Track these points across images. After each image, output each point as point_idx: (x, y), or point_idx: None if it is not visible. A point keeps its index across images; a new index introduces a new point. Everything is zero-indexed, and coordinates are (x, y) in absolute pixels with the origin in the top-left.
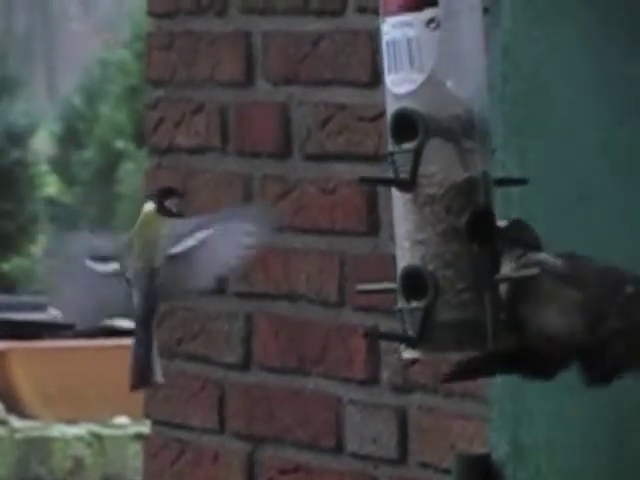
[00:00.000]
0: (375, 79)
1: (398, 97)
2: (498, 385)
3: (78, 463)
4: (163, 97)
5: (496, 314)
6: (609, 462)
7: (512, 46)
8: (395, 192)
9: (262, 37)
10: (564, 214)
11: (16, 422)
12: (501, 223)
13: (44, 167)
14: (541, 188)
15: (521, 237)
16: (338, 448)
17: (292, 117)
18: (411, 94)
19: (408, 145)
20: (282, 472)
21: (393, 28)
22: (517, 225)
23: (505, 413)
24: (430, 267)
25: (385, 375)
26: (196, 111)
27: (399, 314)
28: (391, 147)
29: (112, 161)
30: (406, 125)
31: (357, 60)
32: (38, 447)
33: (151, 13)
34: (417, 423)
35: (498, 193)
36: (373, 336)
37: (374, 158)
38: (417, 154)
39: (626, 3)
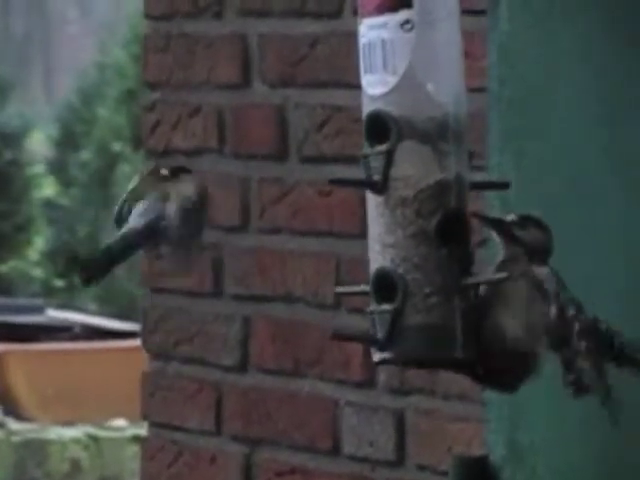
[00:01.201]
0: None
1: (373, 98)
2: None
3: (75, 465)
4: (160, 99)
5: (467, 319)
6: (607, 464)
7: (509, 49)
8: (369, 194)
9: (259, 39)
10: (561, 216)
11: (13, 424)
12: (510, 216)
13: (41, 169)
14: (538, 190)
15: (522, 235)
16: (335, 450)
17: (289, 119)
18: (385, 96)
19: (381, 147)
20: (279, 474)
21: (369, 30)
22: (524, 221)
23: (502, 415)
24: (399, 270)
25: (382, 377)
26: (193, 113)
27: (370, 316)
28: (365, 149)
29: (109, 163)
30: (380, 127)
31: (354, 62)
32: (35, 449)
33: (148, 15)
34: (414, 425)
35: (495, 195)
36: (340, 338)
37: None
38: (389, 156)
39: (622, 5)
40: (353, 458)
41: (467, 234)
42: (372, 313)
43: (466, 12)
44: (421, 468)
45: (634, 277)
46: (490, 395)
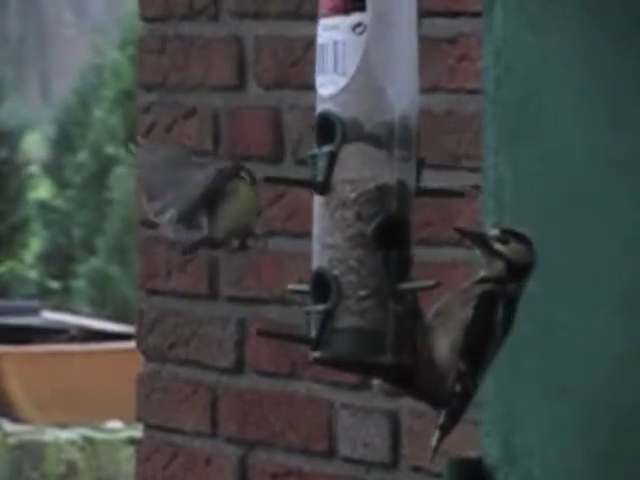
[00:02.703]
0: None
1: (323, 99)
2: (490, 388)
3: (71, 467)
4: (155, 101)
5: (401, 325)
6: (603, 466)
7: (505, 50)
8: (315, 195)
9: (254, 41)
10: (557, 218)
11: (9, 426)
12: (493, 231)
13: (37, 170)
14: (533, 192)
15: (502, 250)
16: (330, 452)
17: (284, 121)
18: (334, 97)
19: (326, 148)
20: (274, 476)
21: (323, 30)
22: (505, 235)
23: (497, 417)
24: (335, 271)
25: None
26: (188, 115)
27: (306, 316)
28: (313, 149)
29: (105, 165)
30: (328, 128)
31: None
32: (31, 451)
33: (143, 17)
34: (409, 427)
35: (490, 197)
36: (266, 335)
37: None
38: (331, 158)
39: (618, 7)
40: (348, 460)
41: (407, 240)
42: (308, 313)
43: (462, 14)
44: (415, 470)
45: (634, 278)
46: (485, 396)
